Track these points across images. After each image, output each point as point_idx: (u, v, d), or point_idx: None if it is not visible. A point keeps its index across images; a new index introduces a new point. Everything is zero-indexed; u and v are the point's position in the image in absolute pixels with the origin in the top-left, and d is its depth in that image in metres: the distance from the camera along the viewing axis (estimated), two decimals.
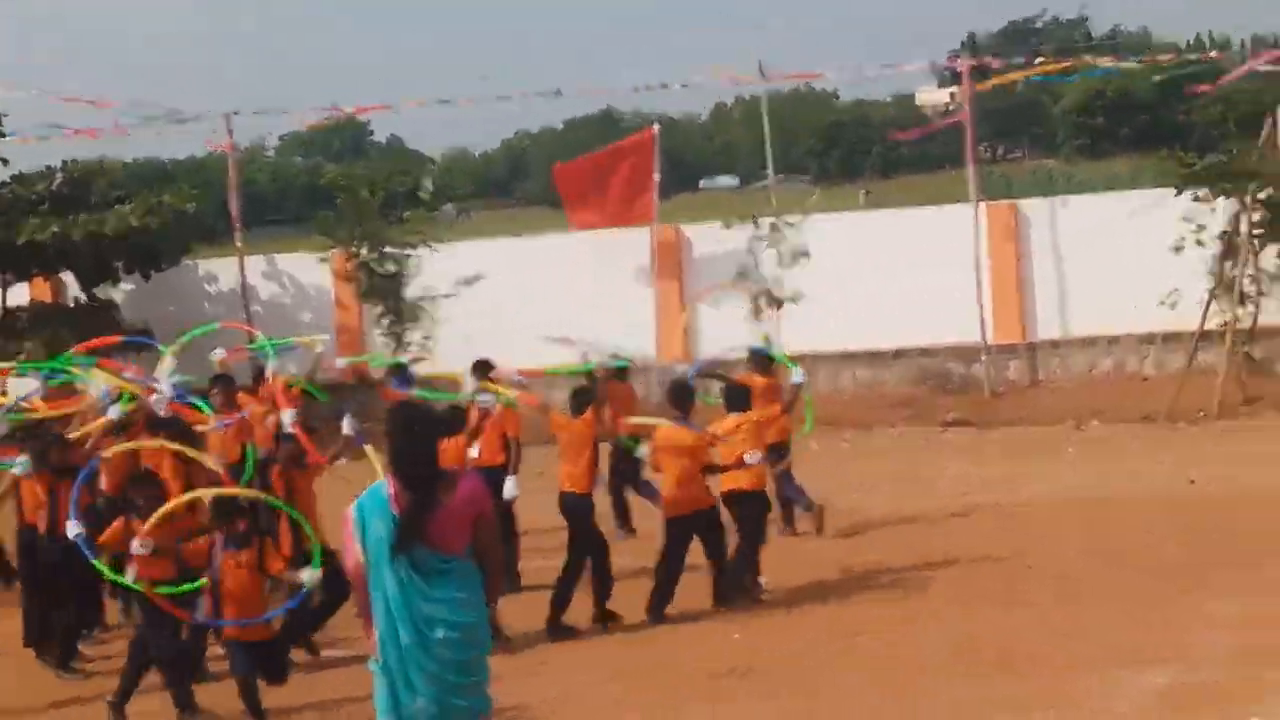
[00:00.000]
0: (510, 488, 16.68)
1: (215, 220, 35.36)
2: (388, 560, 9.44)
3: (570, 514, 16.15)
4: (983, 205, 29.01)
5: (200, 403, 17.53)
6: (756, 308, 27.45)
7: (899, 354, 29.06)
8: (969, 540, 18.58)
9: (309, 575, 13.11)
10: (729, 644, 15.06)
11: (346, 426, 16.36)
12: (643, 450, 16.32)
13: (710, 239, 29.67)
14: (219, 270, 31.52)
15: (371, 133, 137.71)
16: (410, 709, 9.54)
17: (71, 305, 30.12)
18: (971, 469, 23.65)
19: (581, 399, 16.44)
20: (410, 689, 9.50)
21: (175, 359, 18.12)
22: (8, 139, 30.51)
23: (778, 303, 27.23)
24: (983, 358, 28.36)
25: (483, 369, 17.78)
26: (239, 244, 30.74)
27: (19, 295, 30.06)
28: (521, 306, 28.49)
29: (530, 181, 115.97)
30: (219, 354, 18.80)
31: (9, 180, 30.32)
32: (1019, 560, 17.43)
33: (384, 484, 9.55)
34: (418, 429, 9.66)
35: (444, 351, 27.91)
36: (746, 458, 16.04)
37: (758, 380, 18.90)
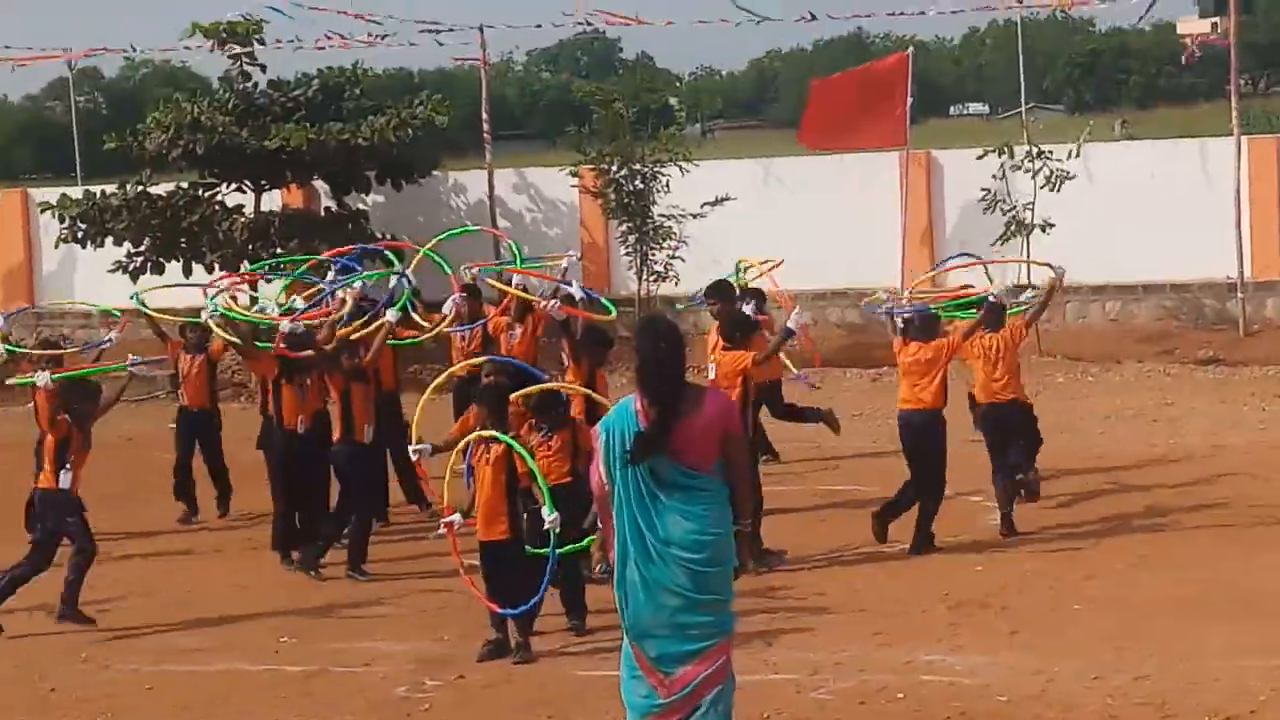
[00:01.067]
0: None
1: (463, 133, 35.49)
2: (631, 473, 9.41)
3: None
4: (1244, 139, 28.29)
5: (606, 303, 17.65)
6: (1006, 236, 27.00)
7: (1149, 288, 28.48)
8: (1216, 481, 18.17)
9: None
10: (970, 575, 14.88)
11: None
12: None
13: (961, 165, 29.26)
14: (467, 182, 31.68)
15: (621, 50, 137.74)
16: (645, 622, 9.54)
17: (322, 214, 30.46)
18: (1222, 408, 23.12)
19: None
20: (648, 603, 9.48)
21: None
22: (265, 47, 30.87)
23: (1027, 230, 26.76)
24: (1239, 294, 27.68)
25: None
26: (489, 157, 30.88)
27: (272, 201, 30.44)
28: (768, 228, 28.26)
29: (778, 103, 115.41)
30: (470, 270, 18.78)
31: (265, 87, 30.66)
32: (1267, 503, 17.00)
33: (632, 399, 9.55)
34: (665, 342, 9.65)
35: (687, 272, 27.82)
36: None
37: None
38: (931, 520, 15.90)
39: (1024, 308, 17.45)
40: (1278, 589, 13.79)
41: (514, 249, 20.29)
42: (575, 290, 17.26)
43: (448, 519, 13.08)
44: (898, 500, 16.09)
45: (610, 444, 9.55)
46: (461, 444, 13.50)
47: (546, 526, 12.60)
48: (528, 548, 13.20)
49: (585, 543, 13.32)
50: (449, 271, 18.35)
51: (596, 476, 9.70)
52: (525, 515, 13.28)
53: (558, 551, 12.78)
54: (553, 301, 16.38)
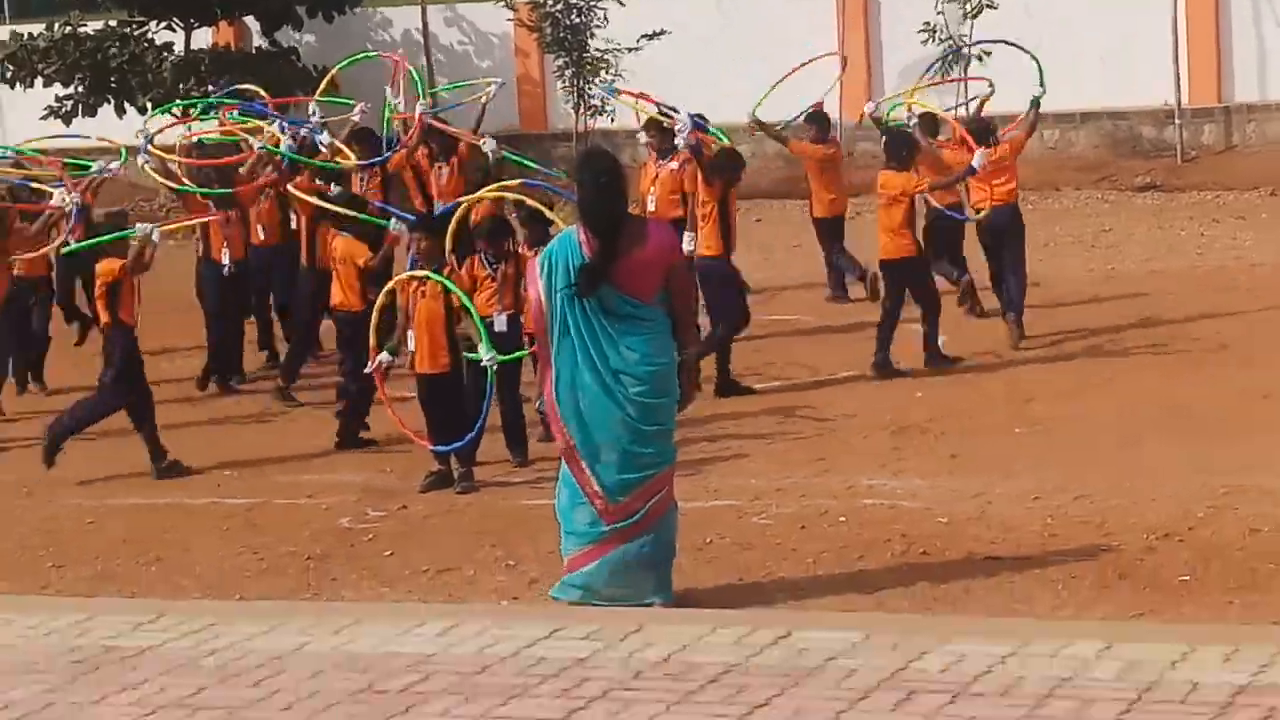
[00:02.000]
0: (687, 242, 16.45)
1: None
2: (576, 304, 9.42)
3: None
4: None
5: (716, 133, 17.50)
6: (943, 68, 26.80)
7: (1087, 116, 28.39)
8: (1154, 306, 18.22)
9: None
10: (911, 400, 14.93)
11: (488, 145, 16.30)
12: None
13: None
14: (398, 16, 31.30)
15: None
16: (596, 449, 9.62)
17: (253, 50, 30.11)
18: (1160, 234, 23.18)
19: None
20: (597, 430, 9.54)
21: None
22: None
23: (964, 61, 26.61)
24: (1176, 120, 27.64)
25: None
26: None
27: (202, 39, 30.04)
28: (706, 61, 28.03)
29: None
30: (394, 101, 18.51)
31: None
32: (1204, 325, 17.08)
33: (575, 230, 9.58)
34: (606, 176, 9.71)
35: (624, 107, 27.56)
36: None
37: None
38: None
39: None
40: (1214, 409, 13.88)
41: (414, 77, 19.79)
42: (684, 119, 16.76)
43: (376, 359, 12.99)
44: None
45: (553, 275, 9.58)
46: (392, 284, 13.41)
47: (484, 364, 12.56)
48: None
49: (520, 354, 13.30)
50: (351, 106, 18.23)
51: (535, 306, 9.73)
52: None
53: (501, 359, 12.81)
54: (682, 127, 16.15)
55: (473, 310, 12.86)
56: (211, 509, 12.88)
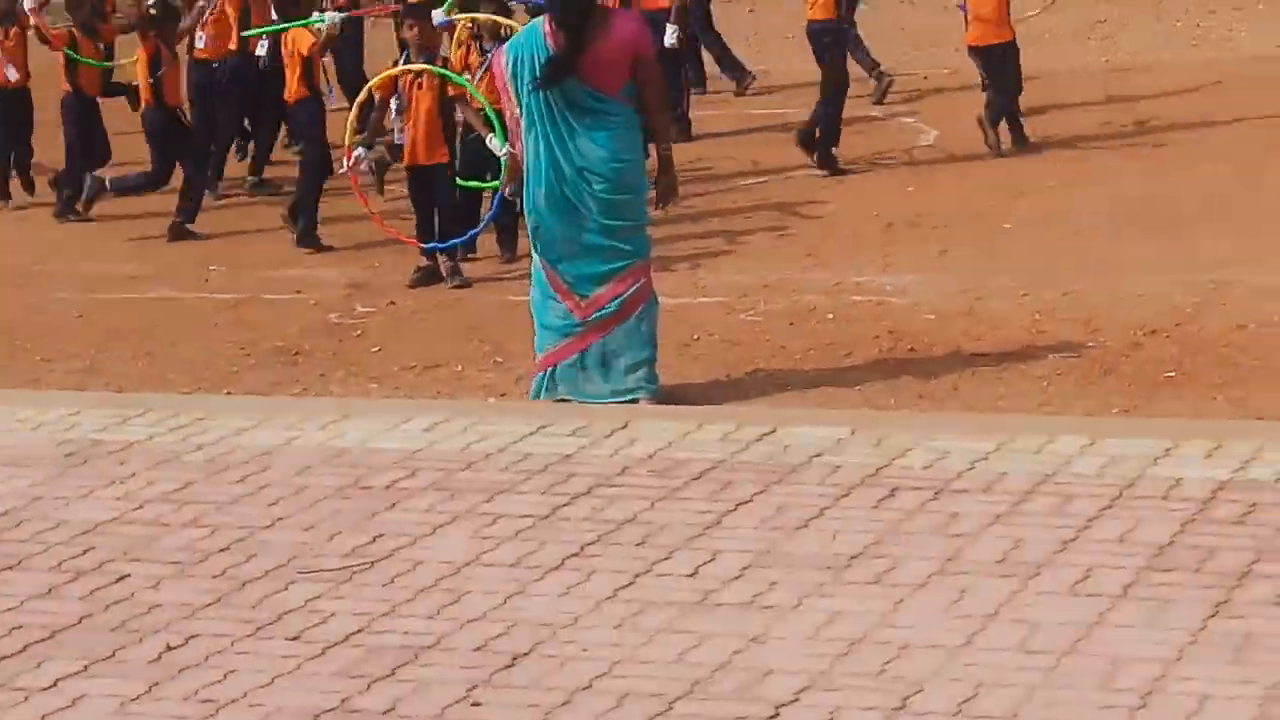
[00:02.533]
0: (670, 35, 16.30)
1: None
2: (541, 98, 9.37)
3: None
4: None
5: None
6: None
7: None
8: (1146, 99, 18.09)
9: None
10: (903, 196, 14.89)
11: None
12: None
13: None
14: None
15: None
16: (559, 245, 9.66)
17: None
18: (1155, 25, 22.92)
19: None
20: (561, 226, 9.56)
21: None
22: None
23: None
24: None
25: None
26: None
27: None
28: None
29: None
30: None
31: None
32: (1196, 120, 16.97)
33: (541, 21, 9.51)
34: None
35: None
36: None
37: None
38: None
39: None
40: (1204, 207, 13.83)
41: None
42: None
43: (355, 155, 12.87)
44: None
45: (519, 68, 9.54)
46: (383, 78, 13.23)
47: (501, 155, 12.11)
48: (459, 180, 13.15)
49: (493, 183, 12.99)
50: None
51: (506, 99, 9.67)
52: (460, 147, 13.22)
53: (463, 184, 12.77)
54: None
55: (483, 101, 12.62)
56: (200, 304, 12.89)
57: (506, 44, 10.02)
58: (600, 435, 8.54)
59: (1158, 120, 17.12)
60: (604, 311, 9.66)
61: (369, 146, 13.04)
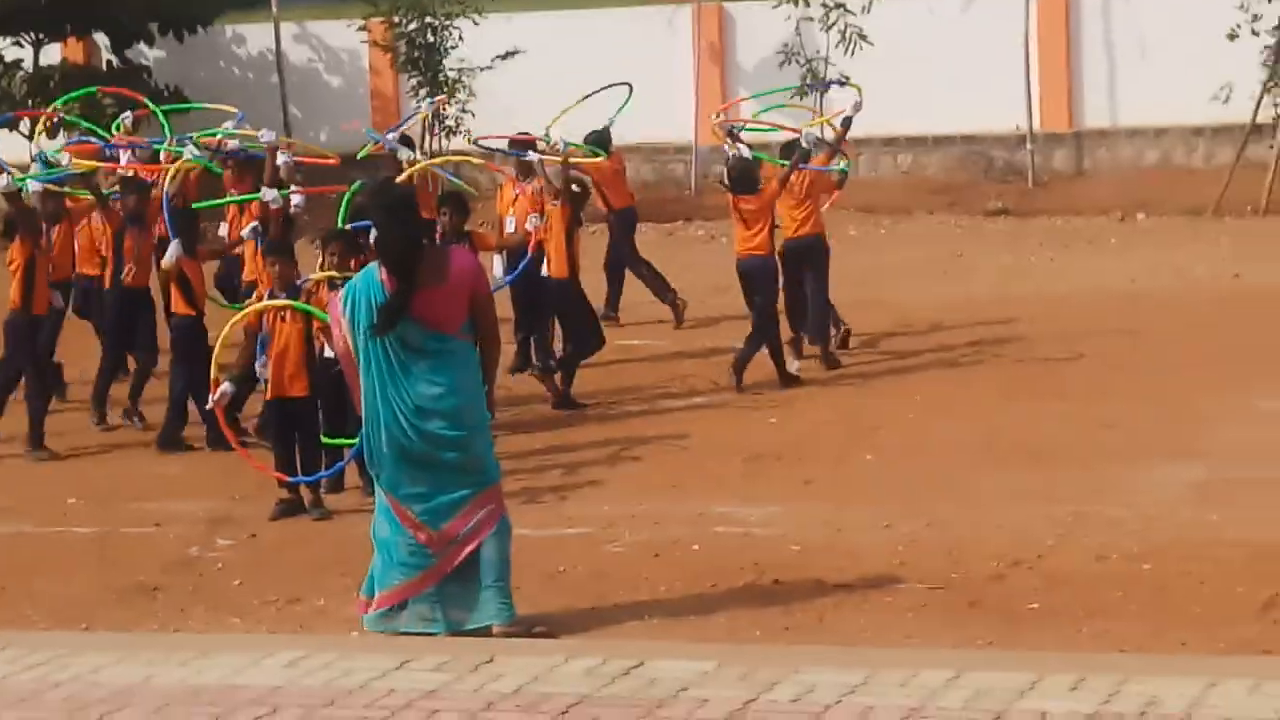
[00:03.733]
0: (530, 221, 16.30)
1: None
2: (377, 341, 9.44)
3: None
4: None
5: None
6: (802, 91, 26.86)
7: (941, 140, 28.64)
8: (1004, 332, 18.38)
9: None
10: (765, 427, 14.98)
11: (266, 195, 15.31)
12: None
13: (755, 18, 29.09)
14: (250, 34, 31.07)
15: None
16: (404, 484, 9.65)
17: (104, 68, 29.77)
18: (1012, 259, 23.39)
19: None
20: (403, 465, 9.55)
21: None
22: None
23: (824, 86, 26.72)
24: (1028, 145, 27.93)
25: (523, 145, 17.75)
26: (275, 9, 30.27)
27: (50, 55, 29.68)
28: (561, 82, 28.04)
29: None
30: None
31: None
32: (1053, 353, 17.25)
33: (375, 266, 9.56)
34: (398, 207, 9.75)
35: (481, 126, 27.48)
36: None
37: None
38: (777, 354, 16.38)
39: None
40: (1062, 437, 14.02)
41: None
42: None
43: (220, 390, 12.75)
44: (746, 348, 16.40)
45: (356, 312, 9.55)
46: (248, 313, 13.22)
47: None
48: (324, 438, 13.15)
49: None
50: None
51: (340, 340, 9.71)
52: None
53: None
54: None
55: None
56: (57, 538, 12.70)
57: (344, 286, 10.06)
58: (465, 670, 8.47)
59: (1014, 353, 17.37)
60: (455, 539, 9.63)
61: (236, 382, 12.97)
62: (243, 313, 13.32)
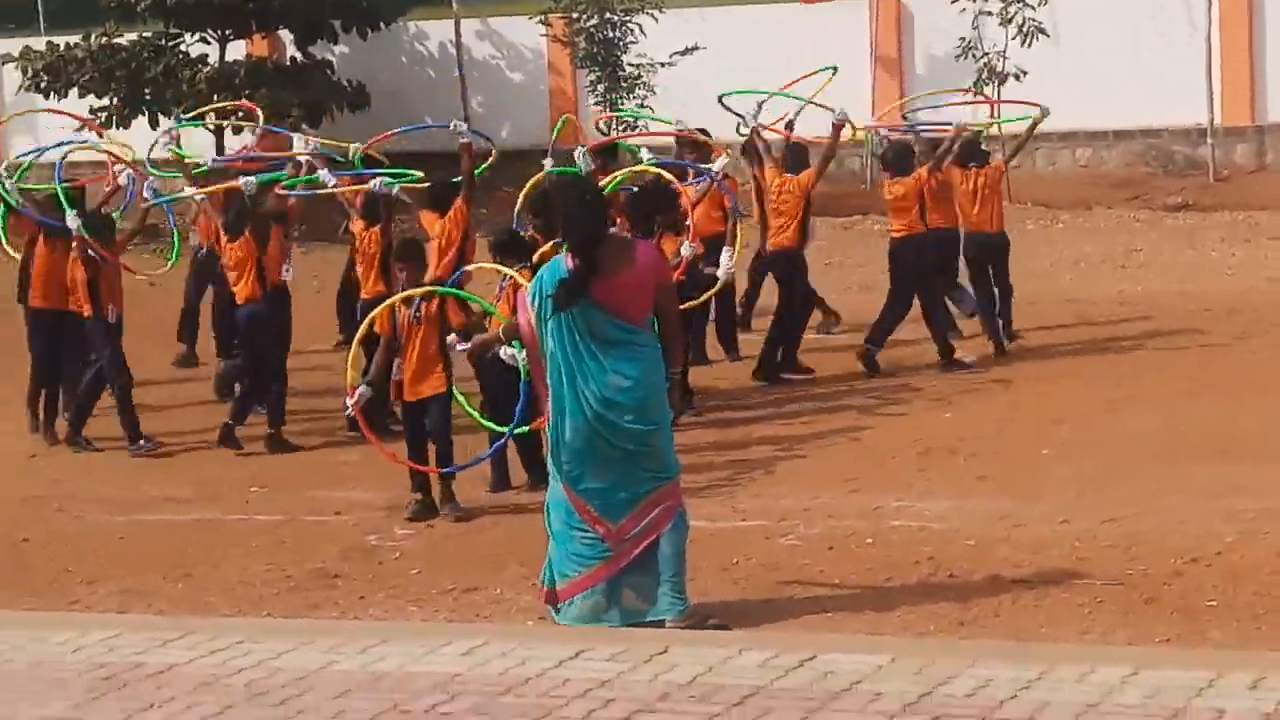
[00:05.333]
0: (726, 260, 16.35)
1: None
2: (564, 330, 9.53)
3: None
4: None
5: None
6: (979, 84, 26.69)
7: (1120, 134, 28.35)
8: (1184, 327, 18.19)
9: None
10: (940, 421, 14.92)
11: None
12: None
13: (932, 12, 28.97)
14: (433, 30, 31.34)
15: None
16: (586, 475, 9.73)
17: (288, 63, 30.15)
18: (1191, 254, 23.12)
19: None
20: (587, 456, 9.60)
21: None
22: None
23: (1000, 78, 26.53)
24: (1209, 140, 27.57)
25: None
26: (455, 5, 30.52)
27: (236, 51, 30.10)
28: (738, 78, 28.05)
29: None
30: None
31: None
32: (1234, 348, 17.05)
33: (563, 257, 9.71)
34: (589, 196, 10.04)
35: (654, 123, 27.55)
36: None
37: None
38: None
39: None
40: (1244, 433, 13.84)
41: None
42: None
43: (357, 393, 12.70)
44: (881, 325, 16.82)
45: (543, 299, 9.65)
46: (383, 309, 13.06)
47: (508, 359, 12.34)
48: (483, 420, 13.19)
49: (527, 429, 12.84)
50: None
51: (527, 332, 9.80)
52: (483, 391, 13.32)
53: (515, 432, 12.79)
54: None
55: (496, 314, 12.74)
56: (240, 525, 12.91)
57: (531, 281, 10.22)
58: (639, 660, 8.50)
59: (1194, 347, 17.18)
60: (632, 534, 9.70)
61: (373, 386, 12.92)
62: (377, 310, 13.17)
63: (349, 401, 12.87)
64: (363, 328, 13.29)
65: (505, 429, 12.73)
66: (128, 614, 10.64)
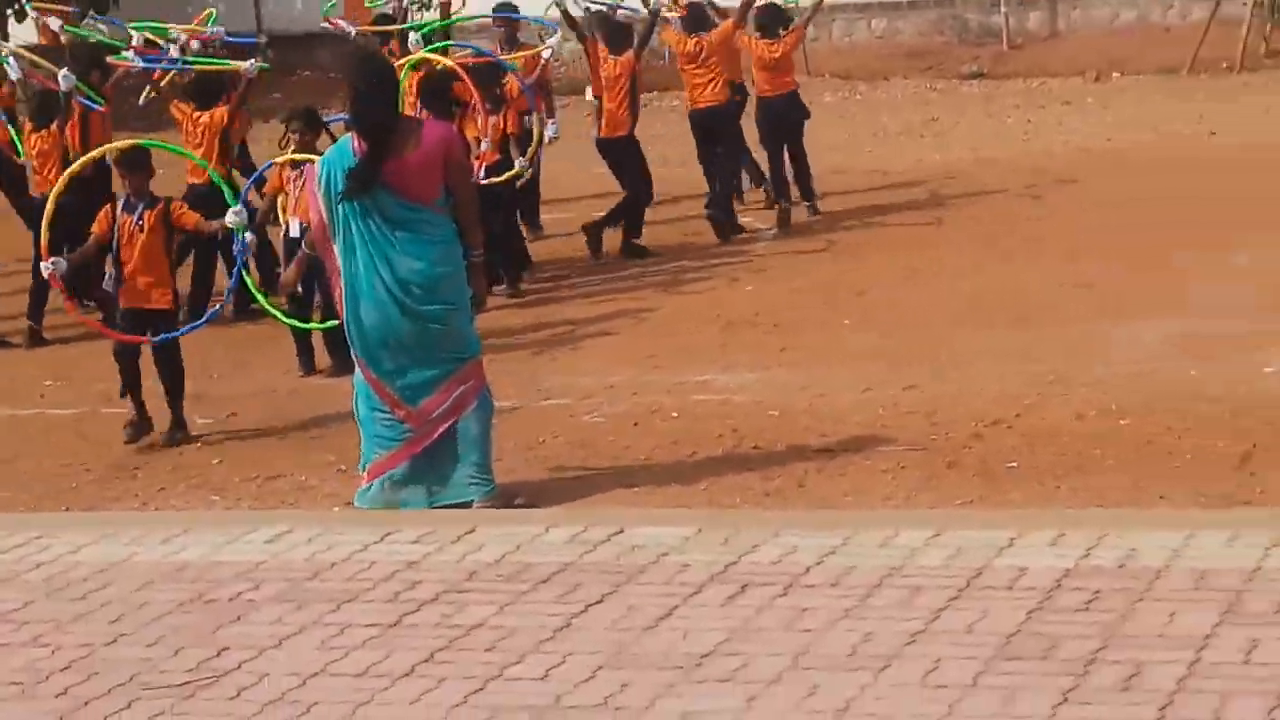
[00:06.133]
0: (551, 130, 16.29)
1: None
2: (355, 212, 9.37)
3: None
4: None
5: None
6: None
7: (915, 4, 28.49)
8: (982, 194, 18.37)
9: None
10: (741, 294, 14.97)
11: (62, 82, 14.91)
12: None
13: None
14: None
15: None
16: (383, 358, 9.64)
17: None
18: (987, 121, 23.33)
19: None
20: (384, 339, 9.53)
21: None
22: None
23: None
24: (1002, 8, 27.78)
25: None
26: None
27: None
28: None
29: None
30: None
31: None
32: (1031, 214, 17.25)
33: (350, 137, 9.53)
34: (378, 78, 9.71)
35: None
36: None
37: None
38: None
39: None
40: (1041, 297, 14.01)
41: None
42: None
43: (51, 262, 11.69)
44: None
45: (331, 182, 9.52)
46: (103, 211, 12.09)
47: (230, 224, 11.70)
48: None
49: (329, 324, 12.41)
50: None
51: (315, 214, 9.67)
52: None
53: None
54: None
55: (214, 174, 12.79)
56: (37, 419, 12.70)
57: (320, 159, 10.03)
58: (446, 541, 8.48)
59: (991, 215, 17.35)
60: (434, 415, 9.63)
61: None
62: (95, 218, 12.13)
63: (45, 266, 11.68)
64: (50, 203, 12.01)
65: (309, 324, 12.62)
66: None
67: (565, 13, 17.41)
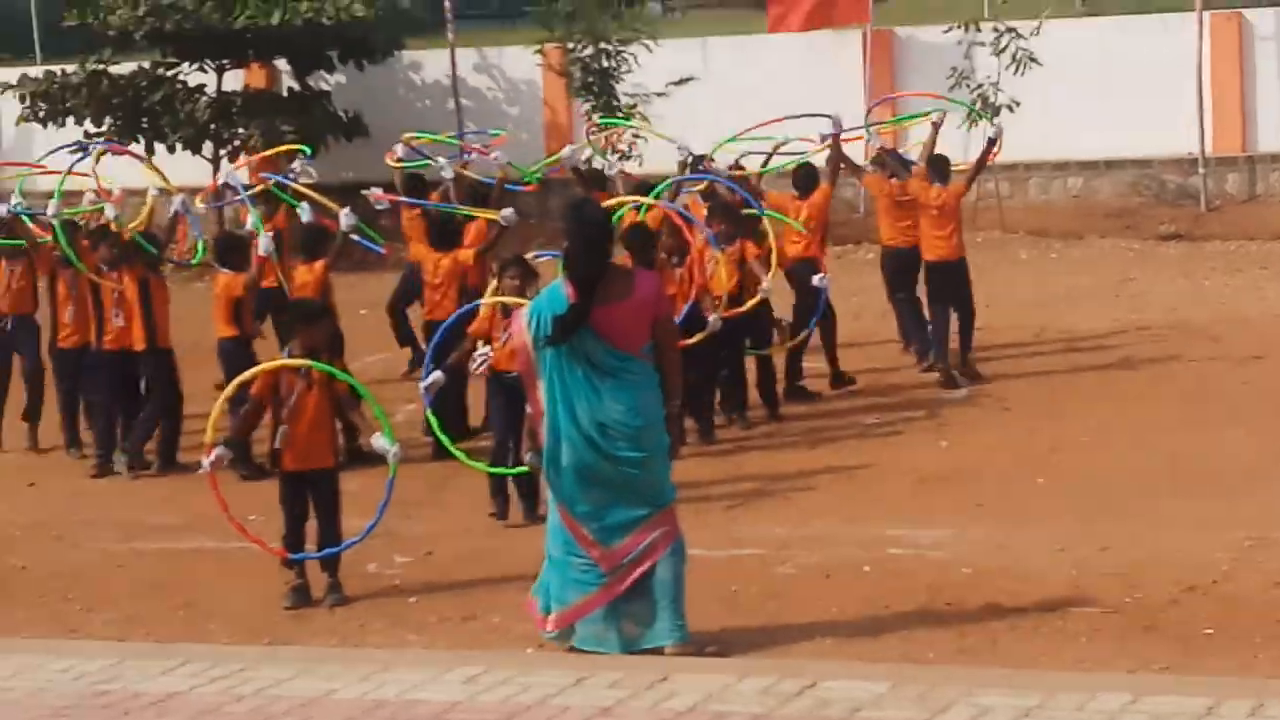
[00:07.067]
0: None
1: (427, 11, 35.26)
2: (562, 356, 9.54)
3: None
4: (1207, 14, 28.13)
5: None
6: (972, 115, 26.73)
7: (1112, 164, 28.41)
8: (1177, 356, 18.22)
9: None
10: (935, 450, 14.95)
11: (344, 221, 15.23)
12: None
13: (924, 42, 29.06)
14: (428, 62, 31.39)
15: None
16: (581, 501, 9.76)
17: (285, 94, 30.18)
18: (1184, 283, 23.17)
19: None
20: (583, 483, 9.64)
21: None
22: None
23: (994, 110, 26.60)
24: (1200, 169, 27.64)
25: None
26: (451, 36, 30.57)
27: (234, 81, 30.14)
28: (732, 108, 28.12)
29: None
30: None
31: None
32: (1227, 377, 17.09)
33: (561, 283, 9.69)
34: (591, 225, 9.90)
35: (651, 152, 27.59)
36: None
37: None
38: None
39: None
40: (1239, 463, 13.88)
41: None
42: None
43: (214, 454, 11.36)
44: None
45: (540, 325, 9.67)
46: (261, 371, 11.91)
47: (390, 456, 11.29)
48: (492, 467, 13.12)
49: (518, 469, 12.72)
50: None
51: (523, 355, 9.81)
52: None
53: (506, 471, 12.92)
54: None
55: (370, 398, 11.86)
56: (239, 553, 12.91)
57: (530, 303, 10.20)
58: (639, 687, 8.55)
59: (1189, 376, 17.22)
60: (627, 560, 9.72)
61: (232, 447, 11.93)
62: (255, 369, 12.11)
63: (205, 461, 11.43)
64: (230, 387, 12.07)
65: (506, 470, 12.82)
66: (128, 641, 10.65)
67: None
